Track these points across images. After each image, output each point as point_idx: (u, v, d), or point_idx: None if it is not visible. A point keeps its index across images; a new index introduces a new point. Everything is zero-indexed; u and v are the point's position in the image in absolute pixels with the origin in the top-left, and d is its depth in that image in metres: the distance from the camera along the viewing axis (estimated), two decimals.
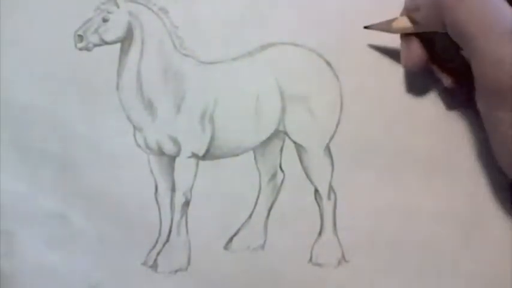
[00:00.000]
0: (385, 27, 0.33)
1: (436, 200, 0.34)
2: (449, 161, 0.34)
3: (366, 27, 0.34)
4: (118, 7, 0.35)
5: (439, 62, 0.33)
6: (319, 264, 0.35)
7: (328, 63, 0.35)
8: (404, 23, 0.32)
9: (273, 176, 0.35)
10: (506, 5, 0.28)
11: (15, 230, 0.35)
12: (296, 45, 0.35)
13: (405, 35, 0.33)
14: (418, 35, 0.32)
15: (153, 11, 0.35)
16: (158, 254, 0.35)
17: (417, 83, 0.35)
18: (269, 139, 0.35)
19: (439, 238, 0.34)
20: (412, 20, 0.32)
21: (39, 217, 0.35)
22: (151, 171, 0.35)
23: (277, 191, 0.35)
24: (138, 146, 0.35)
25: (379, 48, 0.35)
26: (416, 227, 0.34)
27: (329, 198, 0.35)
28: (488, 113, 0.29)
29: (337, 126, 0.35)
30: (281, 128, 0.35)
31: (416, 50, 0.32)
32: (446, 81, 0.33)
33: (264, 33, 0.35)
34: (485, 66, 0.28)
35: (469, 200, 0.34)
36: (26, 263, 0.35)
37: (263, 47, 0.35)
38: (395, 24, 0.33)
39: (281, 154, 0.35)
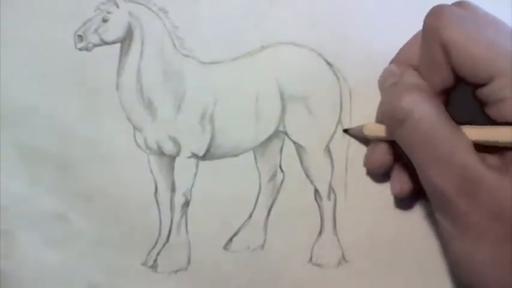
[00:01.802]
0: (360, 131, 0.33)
1: None
2: None
3: (344, 131, 0.34)
4: (118, 7, 0.35)
5: (404, 165, 0.32)
6: (319, 264, 0.35)
7: (328, 63, 0.35)
8: (374, 129, 0.32)
9: (273, 176, 0.35)
10: (453, 131, 0.27)
11: (15, 230, 0.35)
12: (296, 45, 0.35)
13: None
14: (403, 162, 0.32)
15: (153, 11, 0.35)
16: (158, 254, 0.35)
17: None
18: (269, 139, 0.35)
19: (439, 238, 0.34)
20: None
21: (39, 217, 0.35)
22: (151, 171, 0.35)
23: (277, 191, 0.35)
24: (138, 146, 0.35)
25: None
26: (416, 227, 0.34)
27: (329, 198, 0.35)
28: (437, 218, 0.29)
29: (337, 126, 0.35)
30: (281, 128, 0.35)
31: (380, 155, 0.32)
32: (395, 189, 0.33)
33: (264, 33, 0.35)
34: (427, 175, 0.28)
35: None
36: (26, 263, 0.34)
37: (263, 47, 0.35)
38: (366, 129, 0.33)
39: (281, 154, 0.35)
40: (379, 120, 0.33)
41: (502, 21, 0.29)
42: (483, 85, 0.27)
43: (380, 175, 0.34)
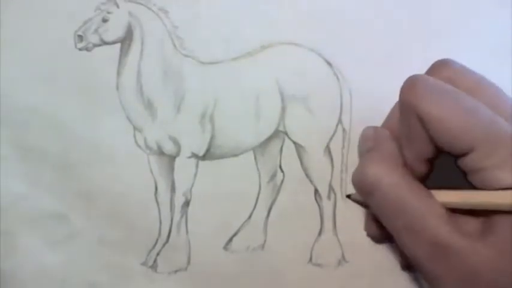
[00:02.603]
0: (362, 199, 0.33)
1: None
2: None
3: (347, 196, 0.34)
4: (118, 7, 0.35)
5: None
6: (319, 264, 0.35)
7: (328, 63, 0.35)
8: None
9: (273, 176, 0.35)
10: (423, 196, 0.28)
11: (15, 230, 0.35)
12: (296, 45, 0.35)
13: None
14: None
15: (153, 11, 0.35)
16: (158, 254, 0.35)
17: None
18: (269, 139, 0.35)
19: None
20: None
21: (39, 217, 0.35)
22: (151, 171, 0.35)
23: (277, 191, 0.35)
24: (138, 146, 0.35)
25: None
26: None
27: (329, 198, 0.35)
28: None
29: (337, 126, 0.35)
30: (281, 128, 0.35)
31: (373, 226, 0.33)
32: (368, 231, 0.34)
33: (264, 33, 0.35)
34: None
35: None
36: (26, 263, 0.34)
37: (263, 47, 0.35)
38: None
39: (281, 154, 0.35)
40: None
41: (488, 81, 0.29)
42: (464, 155, 0.27)
43: (382, 240, 0.34)
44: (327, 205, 0.35)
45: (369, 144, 0.31)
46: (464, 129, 0.26)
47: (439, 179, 0.29)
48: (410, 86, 0.28)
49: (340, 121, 0.35)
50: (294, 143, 0.35)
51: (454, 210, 0.28)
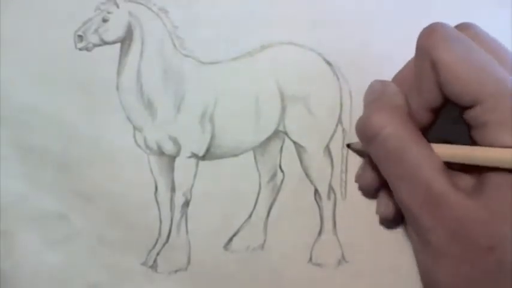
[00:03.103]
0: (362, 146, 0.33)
1: None
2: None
3: (347, 146, 0.35)
4: (118, 7, 0.35)
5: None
6: (319, 264, 0.35)
7: (328, 63, 0.35)
8: None
9: (273, 176, 0.35)
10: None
11: (15, 230, 0.35)
12: (296, 45, 0.35)
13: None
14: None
15: (153, 11, 0.35)
16: (158, 254, 0.35)
17: None
18: (269, 139, 0.35)
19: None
20: None
21: (39, 217, 0.35)
22: (151, 171, 0.35)
23: (277, 191, 0.35)
24: (138, 146, 0.35)
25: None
26: None
27: (329, 198, 0.35)
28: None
29: (337, 126, 0.35)
30: (281, 128, 0.35)
31: (371, 173, 0.33)
32: (379, 210, 0.33)
33: (264, 33, 0.35)
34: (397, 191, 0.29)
35: None
36: (26, 263, 0.34)
37: (263, 47, 0.35)
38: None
39: (281, 154, 0.35)
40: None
41: (504, 47, 0.29)
42: (469, 107, 0.27)
43: (372, 192, 0.34)
44: (327, 205, 0.35)
45: (374, 95, 0.31)
46: (474, 80, 0.26)
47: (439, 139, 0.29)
48: (429, 31, 0.28)
49: (340, 121, 0.35)
50: (294, 143, 0.35)
51: (451, 167, 0.28)
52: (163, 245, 0.35)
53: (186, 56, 0.35)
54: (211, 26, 0.36)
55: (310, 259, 0.35)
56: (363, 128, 0.30)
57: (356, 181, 0.34)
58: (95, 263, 0.34)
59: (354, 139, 0.35)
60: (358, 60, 0.35)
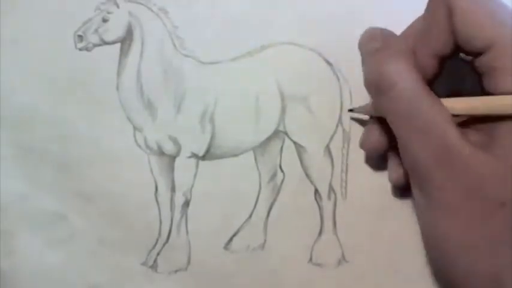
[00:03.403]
0: (365, 110, 0.33)
1: None
2: None
3: (350, 110, 0.34)
4: (118, 7, 0.35)
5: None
6: (319, 264, 0.35)
7: (328, 63, 0.35)
8: None
9: (273, 176, 0.35)
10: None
11: (15, 230, 0.35)
12: (296, 45, 0.35)
13: (375, 118, 0.32)
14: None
15: (153, 11, 0.35)
16: (158, 254, 0.35)
17: None
18: (269, 139, 0.35)
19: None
20: None
21: (39, 217, 0.35)
22: (151, 171, 0.35)
23: (277, 191, 0.35)
24: (138, 146, 0.35)
25: None
26: (416, 226, 0.34)
27: (329, 198, 0.35)
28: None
29: (337, 126, 0.35)
30: (281, 128, 0.35)
31: (376, 135, 0.32)
32: (391, 176, 0.33)
33: (264, 33, 0.35)
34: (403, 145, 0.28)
35: None
36: (26, 263, 0.34)
37: (263, 47, 0.35)
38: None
39: (281, 154, 0.35)
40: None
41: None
42: (480, 54, 0.27)
43: (378, 158, 0.33)
44: (327, 205, 0.35)
45: (375, 44, 0.31)
46: (488, 25, 0.27)
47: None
48: None
49: (340, 121, 0.35)
50: (294, 143, 0.35)
51: (461, 124, 0.28)
52: (164, 245, 0.35)
53: (186, 56, 0.35)
54: (211, 26, 0.36)
55: (310, 259, 0.35)
56: (376, 79, 0.29)
57: (361, 146, 0.33)
58: (95, 263, 0.34)
59: (354, 139, 0.35)
60: (358, 60, 0.35)
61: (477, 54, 0.27)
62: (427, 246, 0.30)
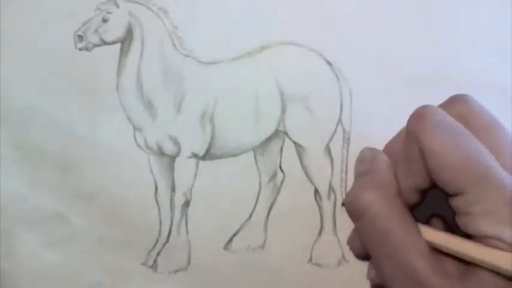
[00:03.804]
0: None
1: None
2: None
3: (343, 205, 0.34)
4: (118, 7, 0.35)
5: None
6: (319, 264, 0.35)
7: (328, 63, 0.35)
8: None
9: (273, 176, 0.35)
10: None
11: (15, 230, 0.35)
12: (296, 45, 0.35)
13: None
14: None
15: (153, 11, 0.35)
16: (158, 254, 0.35)
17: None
18: (269, 139, 0.35)
19: None
20: None
21: (39, 217, 0.35)
22: (151, 171, 0.35)
23: (277, 191, 0.35)
24: (138, 146, 0.35)
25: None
26: None
27: (329, 198, 0.35)
28: None
29: (337, 126, 0.35)
30: (281, 128, 0.35)
31: (360, 243, 0.32)
32: (369, 274, 0.33)
33: (264, 33, 0.35)
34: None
35: None
36: (26, 263, 0.34)
37: (263, 47, 0.35)
38: None
39: (281, 154, 0.35)
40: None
41: (501, 125, 0.29)
42: (455, 195, 0.27)
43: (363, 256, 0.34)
44: (327, 205, 0.35)
45: (365, 166, 0.31)
46: (460, 170, 0.26)
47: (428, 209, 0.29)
48: (418, 116, 0.28)
49: (340, 121, 0.35)
50: (294, 143, 0.35)
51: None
52: (164, 245, 0.35)
53: (186, 56, 0.35)
54: (211, 26, 0.36)
55: (310, 259, 0.35)
56: (350, 205, 0.29)
57: (348, 244, 0.34)
58: (95, 263, 0.34)
59: (354, 139, 0.35)
60: (358, 60, 0.35)
61: (451, 195, 0.27)
62: None
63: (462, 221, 0.27)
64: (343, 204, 0.34)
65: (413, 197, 0.29)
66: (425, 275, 0.26)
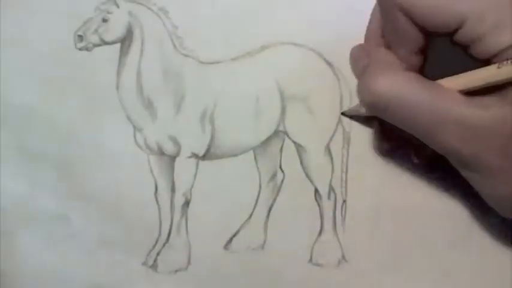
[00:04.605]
0: (356, 110, 0.33)
1: (436, 199, 0.34)
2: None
3: (342, 114, 0.34)
4: (118, 7, 0.35)
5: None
6: (319, 264, 0.35)
7: (328, 63, 0.35)
8: None
9: (273, 176, 0.35)
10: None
11: (15, 230, 0.35)
12: (296, 45, 0.35)
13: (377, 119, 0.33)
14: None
15: (153, 11, 0.35)
16: (158, 254, 0.35)
17: None
18: (269, 139, 0.35)
19: (438, 238, 0.34)
20: None
21: (39, 217, 0.35)
22: (151, 171, 0.35)
23: (277, 191, 0.35)
24: (138, 146, 0.35)
25: None
26: (416, 226, 0.34)
27: (329, 198, 0.35)
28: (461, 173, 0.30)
29: (337, 126, 0.35)
30: (281, 128, 0.35)
31: (382, 133, 0.33)
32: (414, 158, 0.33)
33: (264, 33, 0.35)
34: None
35: (469, 199, 0.34)
36: (26, 263, 0.35)
37: (263, 47, 0.35)
38: (362, 108, 0.32)
39: (281, 154, 0.35)
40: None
41: None
42: (456, 31, 0.27)
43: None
44: (327, 205, 0.35)
45: (363, 61, 0.31)
46: (449, 4, 0.27)
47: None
48: None
49: (340, 121, 0.35)
50: (294, 143, 0.35)
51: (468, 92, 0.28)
52: (164, 245, 0.35)
53: (186, 56, 0.35)
54: (211, 26, 0.36)
55: (310, 259, 0.35)
56: (371, 102, 0.29)
57: (378, 152, 0.34)
58: (95, 263, 0.34)
59: (354, 139, 0.35)
60: None
61: (452, 33, 0.27)
62: (497, 209, 0.30)
63: (476, 50, 0.27)
64: (342, 114, 0.34)
65: (416, 61, 0.29)
66: (470, 116, 0.27)
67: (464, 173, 0.29)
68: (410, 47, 0.29)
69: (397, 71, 0.29)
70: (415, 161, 0.34)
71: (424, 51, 0.29)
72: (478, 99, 0.27)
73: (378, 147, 0.34)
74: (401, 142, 0.33)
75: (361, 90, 0.30)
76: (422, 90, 0.28)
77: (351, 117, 0.35)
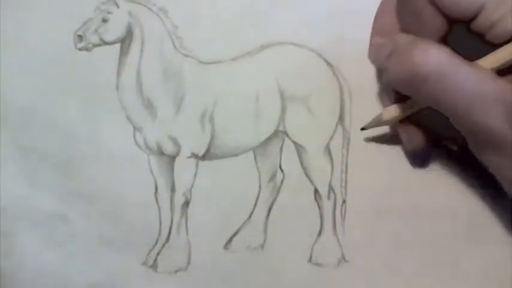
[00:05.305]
0: (378, 121, 0.33)
1: (436, 199, 0.34)
2: (449, 159, 0.34)
3: (362, 129, 0.34)
4: (118, 7, 0.35)
5: (438, 134, 0.32)
6: (319, 264, 0.35)
7: (328, 63, 0.35)
8: (393, 112, 0.32)
9: (273, 176, 0.35)
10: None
11: (15, 230, 0.35)
12: (296, 45, 0.35)
13: (400, 122, 0.32)
14: (410, 117, 0.32)
15: (153, 11, 0.35)
16: (158, 254, 0.35)
17: None
18: (269, 139, 0.35)
19: (439, 237, 0.34)
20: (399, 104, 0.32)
21: (39, 217, 0.35)
22: (151, 171, 0.35)
23: (277, 191, 0.35)
24: (138, 146, 0.35)
25: None
26: (416, 226, 0.34)
27: (329, 198, 0.35)
28: (480, 157, 0.29)
29: (337, 126, 0.35)
30: (281, 128, 0.35)
31: (415, 133, 0.32)
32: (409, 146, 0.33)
33: (264, 33, 0.35)
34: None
35: (470, 198, 0.34)
36: (26, 263, 0.35)
37: (263, 47, 0.35)
38: (385, 116, 0.32)
39: (281, 154, 0.35)
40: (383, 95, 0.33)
41: None
42: (475, 17, 0.28)
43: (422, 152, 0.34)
44: (327, 205, 0.35)
45: (386, 49, 0.30)
46: None
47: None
48: None
49: (340, 121, 0.35)
50: (294, 143, 0.35)
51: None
52: (164, 245, 0.35)
53: (186, 55, 0.35)
54: (211, 26, 0.36)
55: (310, 259, 0.35)
56: (410, 73, 0.28)
57: (409, 151, 0.34)
58: (95, 263, 0.35)
59: (354, 139, 0.35)
60: (358, 60, 0.35)
61: (471, 19, 0.28)
62: None
63: (493, 35, 0.28)
64: (362, 129, 0.34)
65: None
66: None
67: (486, 157, 0.28)
68: (434, 35, 0.29)
69: (433, 44, 0.28)
70: (455, 148, 0.33)
71: (444, 40, 0.29)
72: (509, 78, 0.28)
73: (412, 157, 0.34)
74: (430, 140, 0.33)
75: (393, 69, 0.29)
76: (463, 62, 0.27)
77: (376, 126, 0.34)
